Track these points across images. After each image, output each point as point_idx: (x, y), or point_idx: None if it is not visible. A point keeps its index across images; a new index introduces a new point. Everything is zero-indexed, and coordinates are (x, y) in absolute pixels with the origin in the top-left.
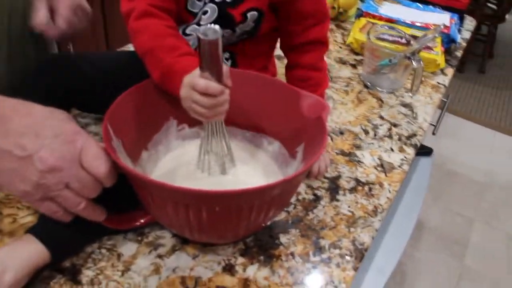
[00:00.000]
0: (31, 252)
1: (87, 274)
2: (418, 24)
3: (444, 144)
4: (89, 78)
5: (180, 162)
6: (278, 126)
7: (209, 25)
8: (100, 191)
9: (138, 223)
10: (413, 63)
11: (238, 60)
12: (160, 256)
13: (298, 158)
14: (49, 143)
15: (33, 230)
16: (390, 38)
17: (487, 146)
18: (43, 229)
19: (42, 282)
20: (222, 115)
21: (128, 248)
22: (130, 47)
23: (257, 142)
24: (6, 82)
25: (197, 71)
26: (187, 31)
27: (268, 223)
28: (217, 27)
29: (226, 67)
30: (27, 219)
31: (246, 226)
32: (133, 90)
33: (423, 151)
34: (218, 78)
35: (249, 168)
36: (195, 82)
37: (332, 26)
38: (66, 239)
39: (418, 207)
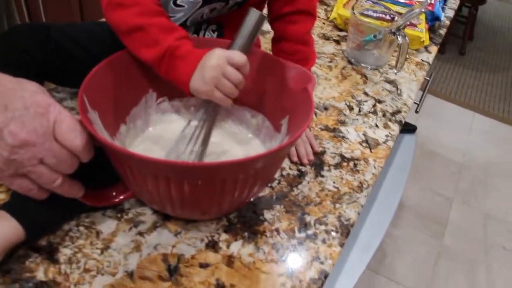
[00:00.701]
0: (4, 229)
1: (64, 253)
2: (402, 1)
3: (424, 125)
4: (64, 50)
5: (160, 137)
6: (261, 98)
7: None
8: (76, 166)
9: (117, 200)
10: (398, 38)
11: (226, 32)
12: (140, 233)
13: (282, 131)
14: (20, 115)
15: (6, 207)
16: (375, 15)
17: (466, 127)
18: (17, 205)
19: (17, 261)
20: (233, 98)
21: (107, 225)
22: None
23: (239, 115)
24: None
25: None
26: (178, 2)
27: (252, 199)
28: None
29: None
30: (0, 196)
31: (230, 201)
32: (110, 60)
33: (407, 128)
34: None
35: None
36: (232, 55)
37: None
38: (42, 215)
39: (402, 185)
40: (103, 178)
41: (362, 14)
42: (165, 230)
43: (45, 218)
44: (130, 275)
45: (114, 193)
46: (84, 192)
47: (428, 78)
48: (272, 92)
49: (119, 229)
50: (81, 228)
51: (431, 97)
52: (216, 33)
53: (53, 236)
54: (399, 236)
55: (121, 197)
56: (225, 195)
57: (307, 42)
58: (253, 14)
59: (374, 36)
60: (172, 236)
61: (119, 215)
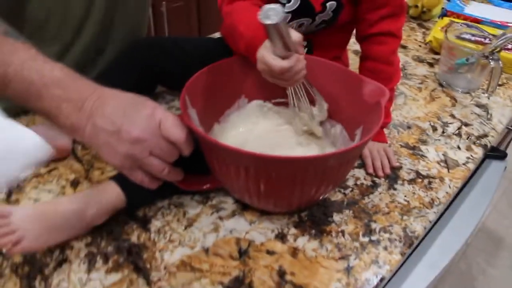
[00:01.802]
0: (112, 195)
1: (155, 224)
2: (499, 22)
3: None
4: (176, 60)
5: (249, 135)
6: (341, 110)
7: (267, 5)
8: (177, 156)
9: (205, 187)
10: (491, 62)
11: (314, 49)
12: (220, 218)
13: (356, 140)
14: (133, 117)
15: (115, 178)
16: (472, 38)
17: None
18: (124, 179)
19: (118, 225)
20: (301, 79)
21: (193, 207)
22: (217, 35)
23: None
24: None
25: (267, 44)
26: None
27: (321, 197)
28: (276, 5)
29: (297, 35)
30: (113, 172)
31: (299, 196)
32: (210, 67)
33: (496, 154)
34: (288, 48)
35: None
36: (270, 63)
37: (413, 25)
38: (142, 191)
39: (482, 210)
40: (197, 168)
41: (459, 38)
42: (241, 218)
43: (144, 194)
44: (205, 250)
45: (203, 181)
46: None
47: None
48: (349, 105)
49: (203, 212)
50: (172, 207)
51: None
52: (306, 49)
53: (148, 209)
54: (495, 276)
55: (208, 185)
56: (295, 189)
57: (391, 62)
58: (265, 27)
59: (467, 59)
60: (247, 224)
61: (204, 200)
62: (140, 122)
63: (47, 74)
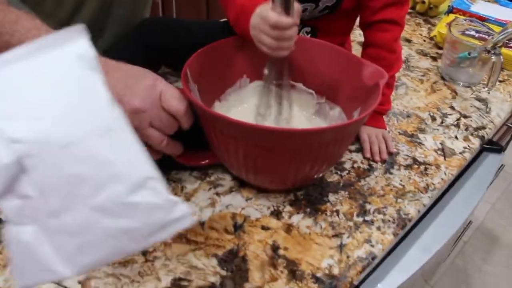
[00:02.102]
0: None
1: None
2: (503, 21)
3: None
4: (181, 41)
5: (249, 114)
6: (340, 92)
7: None
8: (176, 128)
9: (203, 162)
10: (492, 57)
11: (317, 36)
12: (217, 194)
13: None
14: (134, 88)
15: None
16: (476, 35)
17: None
18: None
19: None
20: (286, 50)
21: (191, 183)
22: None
23: (320, 108)
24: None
25: (269, 4)
26: None
27: (316, 176)
28: None
29: (297, 5)
30: None
31: (295, 172)
32: (213, 45)
33: (493, 147)
34: (287, 12)
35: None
36: (267, 15)
37: (419, 20)
38: None
39: (477, 198)
40: (196, 144)
41: (463, 34)
42: (238, 194)
43: None
44: (201, 224)
45: (202, 157)
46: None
47: None
48: (349, 87)
49: (201, 187)
50: (170, 182)
51: None
52: (309, 35)
53: None
54: (490, 273)
55: (207, 160)
56: (291, 165)
57: (393, 50)
58: None
59: (469, 54)
60: (244, 200)
61: (202, 176)
62: (140, 92)
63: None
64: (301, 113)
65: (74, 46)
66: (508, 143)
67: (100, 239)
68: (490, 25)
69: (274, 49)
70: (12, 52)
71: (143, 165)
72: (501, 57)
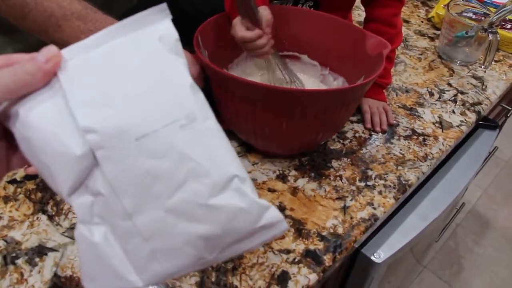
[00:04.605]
0: None
1: None
2: (500, 3)
3: None
4: (187, 16)
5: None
6: (344, 63)
7: None
8: None
9: None
10: (489, 36)
11: (320, 10)
12: None
13: None
14: None
15: None
16: (474, 16)
17: None
18: None
19: None
20: (264, 55)
21: None
22: None
23: (325, 79)
24: None
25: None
26: None
27: (321, 141)
28: None
29: (267, 15)
30: None
31: (300, 136)
32: (224, 14)
33: (489, 124)
34: (255, 23)
35: None
36: (234, 31)
37: (417, 2)
38: None
39: (473, 171)
40: None
41: (461, 15)
42: (245, 159)
43: None
44: None
45: None
46: None
47: None
48: (352, 58)
49: None
50: None
51: None
52: (312, 9)
53: None
54: (480, 254)
55: None
56: (298, 127)
57: (394, 25)
58: None
59: (466, 33)
60: (250, 165)
61: None
62: None
63: (66, 6)
64: (309, 80)
65: (156, 27)
66: (503, 124)
67: (175, 245)
68: (490, 8)
69: (253, 56)
70: (92, 37)
71: (228, 161)
72: (498, 35)
